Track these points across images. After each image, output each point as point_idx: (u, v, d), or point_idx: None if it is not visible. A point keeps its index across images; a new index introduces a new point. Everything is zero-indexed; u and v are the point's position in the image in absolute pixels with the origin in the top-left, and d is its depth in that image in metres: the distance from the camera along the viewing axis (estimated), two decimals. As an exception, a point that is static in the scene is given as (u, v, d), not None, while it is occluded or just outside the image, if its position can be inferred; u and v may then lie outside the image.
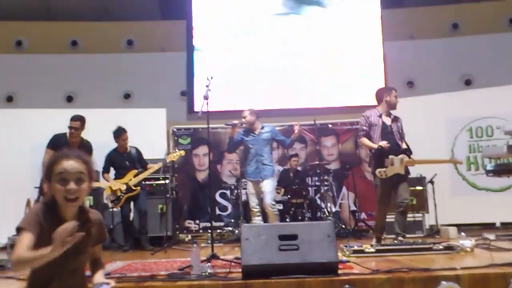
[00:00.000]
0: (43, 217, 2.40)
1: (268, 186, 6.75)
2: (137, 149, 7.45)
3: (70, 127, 6.87)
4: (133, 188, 7.08)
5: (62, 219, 2.40)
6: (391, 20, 10.90)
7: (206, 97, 5.12)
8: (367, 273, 3.46)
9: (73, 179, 2.43)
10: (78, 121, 6.88)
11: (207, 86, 5.18)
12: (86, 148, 6.79)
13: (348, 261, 3.89)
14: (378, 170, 5.80)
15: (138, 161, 7.36)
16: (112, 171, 7.43)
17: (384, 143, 5.80)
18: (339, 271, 3.44)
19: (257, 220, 6.79)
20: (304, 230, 3.50)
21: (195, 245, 3.75)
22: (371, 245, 5.03)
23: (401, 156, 5.82)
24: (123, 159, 7.31)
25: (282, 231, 3.50)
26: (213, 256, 4.36)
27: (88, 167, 2.53)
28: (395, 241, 5.72)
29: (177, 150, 7.57)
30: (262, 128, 6.96)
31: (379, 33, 10.85)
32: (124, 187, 7.06)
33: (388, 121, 6.04)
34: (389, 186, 5.88)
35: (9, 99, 10.85)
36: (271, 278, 3.26)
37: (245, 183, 7.56)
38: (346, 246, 4.92)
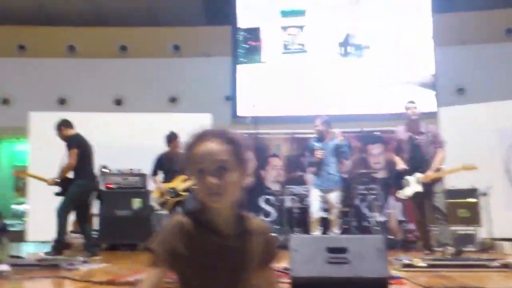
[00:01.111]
0: (187, 230, 1.69)
1: (334, 198, 6.76)
2: None
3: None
4: (181, 193, 7.09)
5: (213, 229, 1.71)
6: (442, 25, 10.66)
7: (253, 122, 5.05)
8: (420, 290, 3.36)
9: (213, 168, 1.68)
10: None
11: (252, 116, 5.15)
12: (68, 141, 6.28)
13: (400, 277, 3.78)
14: (397, 191, 6.12)
15: None
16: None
17: (400, 167, 5.93)
18: (390, 287, 3.35)
19: (316, 228, 6.75)
20: (354, 243, 3.42)
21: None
22: (422, 259, 4.89)
23: (416, 175, 5.82)
24: (173, 163, 7.25)
25: (332, 243, 3.43)
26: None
27: (236, 148, 1.73)
28: (444, 252, 5.57)
29: None
30: (332, 137, 6.87)
31: (430, 38, 10.61)
32: (172, 191, 7.08)
33: (415, 134, 5.95)
34: (418, 201, 5.95)
35: (62, 101, 11.15)
36: (321, 291, 3.20)
37: (306, 190, 7.72)
38: (395, 260, 4.81)
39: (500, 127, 8.83)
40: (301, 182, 8.96)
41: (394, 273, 3.94)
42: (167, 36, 11.59)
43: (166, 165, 7.33)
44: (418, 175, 5.80)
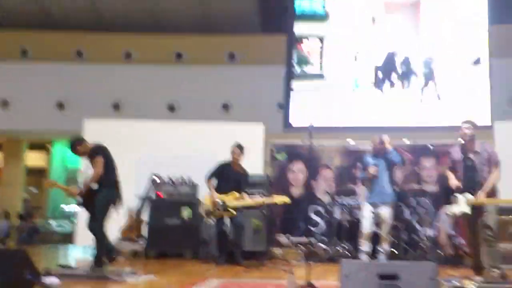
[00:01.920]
0: None
1: (386, 213, 6.76)
2: (246, 174, 7.34)
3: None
4: (230, 209, 7.15)
5: None
6: (498, 36, 10.38)
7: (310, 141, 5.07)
8: (471, 320, 3.30)
9: None
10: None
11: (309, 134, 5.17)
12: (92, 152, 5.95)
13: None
14: (447, 210, 6.05)
15: (241, 185, 7.24)
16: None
17: (453, 185, 5.76)
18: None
19: (365, 243, 6.73)
20: (406, 270, 3.39)
21: (291, 275, 3.76)
22: (472, 281, 4.80)
23: (467, 195, 5.64)
24: (232, 176, 7.21)
25: (383, 270, 3.41)
26: (309, 284, 4.34)
27: None
28: (490, 275, 5.43)
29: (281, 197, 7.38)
30: (387, 152, 6.87)
31: (486, 49, 10.36)
32: (221, 204, 7.11)
33: (470, 154, 5.81)
34: (468, 220, 5.76)
35: (116, 107, 11.48)
36: (370, 317, 3.20)
37: (356, 203, 7.89)
38: (445, 281, 4.73)
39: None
40: (351, 194, 8.94)
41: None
42: (222, 44, 11.76)
43: (226, 175, 7.25)
44: (469, 196, 5.66)
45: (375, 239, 6.96)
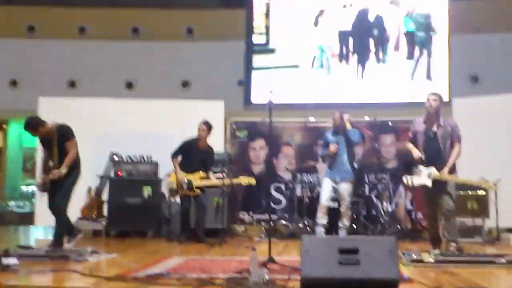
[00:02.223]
0: None
1: (346, 190, 6.88)
2: (212, 152, 7.31)
3: None
4: (195, 189, 7.08)
5: None
6: (457, 13, 10.51)
7: (270, 111, 4.99)
8: (429, 291, 3.39)
9: None
10: None
11: (270, 100, 5.07)
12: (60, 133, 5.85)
13: (410, 278, 3.81)
14: (405, 177, 5.89)
15: (207, 163, 7.22)
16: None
17: (417, 155, 5.77)
18: (400, 288, 3.37)
19: (323, 216, 6.84)
20: (365, 244, 3.43)
21: (254, 252, 3.76)
22: (430, 254, 4.92)
23: (431, 169, 5.68)
24: (198, 154, 7.17)
25: (343, 244, 3.44)
26: (271, 260, 4.37)
27: None
28: (447, 248, 5.57)
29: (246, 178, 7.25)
30: (347, 129, 6.94)
31: (446, 26, 10.48)
32: (186, 183, 7.03)
33: (433, 127, 5.86)
34: (429, 193, 5.79)
35: (72, 84, 11.18)
36: (331, 291, 3.24)
37: (317, 180, 7.97)
38: (404, 254, 4.83)
39: (513, 119, 8.76)
40: (312, 171, 9.03)
41: (402, 271, 3.97)
42: (180, 19, 11.54)
43: (191, 153, 7.17)
44: (433, 171, 5.69)
45: (334, 214, 7.06)
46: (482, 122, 8.57)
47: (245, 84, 10.84)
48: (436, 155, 5.74)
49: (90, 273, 3.99)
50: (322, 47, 10.78)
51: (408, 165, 6.05)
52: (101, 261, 4.96)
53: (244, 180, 7.07)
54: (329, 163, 7.01)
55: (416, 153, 5.81)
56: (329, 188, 6.93)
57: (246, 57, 10.90)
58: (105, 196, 8.13)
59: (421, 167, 5.77)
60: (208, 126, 7.18)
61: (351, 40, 10.76)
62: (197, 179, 7.07)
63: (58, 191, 5.67)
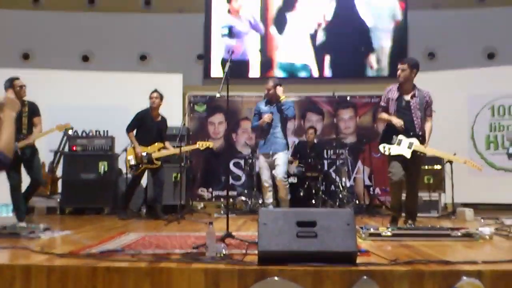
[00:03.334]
0: None
1: (280, 159, 6.55)
2: (166, 121, 7.22)
3: None
4: (155, 161, 6.96)
5: None
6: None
7: (227, 74, 4.83)
8: (386, 264, 3.39)
9: None
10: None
11: (229, 61, 4.91)
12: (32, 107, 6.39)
13: (367, 251, 3.81)
14: (383, 145, 5.71)
15: (162, 133, 7.14)
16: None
17: (398, 123, 5.63)
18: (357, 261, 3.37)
19: (269, 195, 6.66)
20: (323, 217, 3.41)
21: (210, 226, 3.68)
22: (387, 228, 4.95)
23: (412, 139, 5.62)
24: (153, 125, 7.05)
25: (301, 217, 3.41)
26: (228, 235, 4.31)
27: None
28: (406, 225, 5.62)
29: (207, 141, 7.25)
30: (279, 101, 6.68)
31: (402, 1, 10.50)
32: (146, 156, 6.90)
33: (406, 96, 5.79)
34: (398, 164, 5.65)
35: (26, 56, 10.77)
36: (288, 264, 3.20)
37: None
38: (362, 228, 4.85)
39: (469, 94, 8.93)
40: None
41: (360, 244, 3.98)
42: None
43: (146, 125, 7.03)
44: (415, 141, 5.63)
45: (294, 189, 7.03)
46: (437, 97, 8.65)
47: (205, 57, 10.62)
48: (408, 125, 5.66)
49: (41, 250, 3.84)
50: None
51: (388, 132, 5.76)
52: (55, 238, 4.81)
53: (201, 144, 6.94)
54: (261, 136, 6.75)
55: (397, 121, 5.63)
56: (265, 166, 6.67)
57: (205, 30, 10.67)
58: (59, 172, 7.90)
59: (401, 136, 5.66)
60: (159, 94, 7.06)
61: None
62: (155, 150, 6.94)
63: (34, 167, 6.15)
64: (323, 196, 7.88)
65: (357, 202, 8.40)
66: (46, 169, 7.92)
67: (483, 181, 8.56)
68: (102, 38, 10.58)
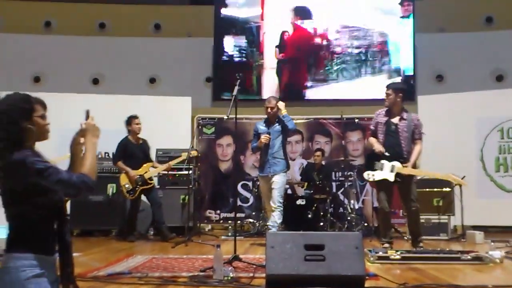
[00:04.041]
0: None
1: (277, 183, 6.34)
2: (147, 142, 7.38)
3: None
4: (149, 181, 7.05)
5: None
6: (422, 12, 10.61)
7: (235, 98, 4.89)
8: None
9: None
10: None
11: (237, 85, 4.97)
12: None
13: (375, 274, 3.79)
14: (367, 172, 5.79)
15: (147, 154, 7.33)
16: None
17: (377, 148, 5.69)
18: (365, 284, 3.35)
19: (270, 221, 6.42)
20: (331, 240, 3.40)
21: (218, 249, 3.68)
22: (396, 251, 4.92)
23: (393, 162, 5.63)
24: (137, 149, 7.20)
25: (309, 240, 3.40)
26: (236, 258, 4.30)
27: None
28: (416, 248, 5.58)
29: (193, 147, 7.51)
30: (281, 116, 6.48)
31: (411, 25, 10.56)
32: (139, 178, 7.01)
33: (395, 119, 5.83)
34: (385, 189, 5.71)
35: (37, 79, 10.90)
36: (296, 288, 3.19)
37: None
38: (370, 251, 4.82)
39: (478, 116, 8.90)
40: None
41: (368, 267, 3.96)
42: (147, 14, 11.37)
43: (131, 151, 7.17)
44: (396, 164, 5.64)
45: (300, 211, 6.93)
46: (446, 120, 8.71)
47: (213, 80, 10.69)
48: (396, 148, 5.69)
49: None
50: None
51: (370, 160, 5.84)
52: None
53: (185, 154, 7.00)
54: (260, 158, 6.65)
55: (378, 147, 5.71)
56: (265, 191, 6.53)
57: (214, 54, 10.77)
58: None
59: (383, 161, 5.70)
60: (137, 119, 7.26)
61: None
62: (147, 170, 7.11)
63: None
64: (331, 218, 7.82)
65: (365, 224, 8.33)
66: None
67: (493, 204, 8.50)
68: (112, 62, 10.71)
